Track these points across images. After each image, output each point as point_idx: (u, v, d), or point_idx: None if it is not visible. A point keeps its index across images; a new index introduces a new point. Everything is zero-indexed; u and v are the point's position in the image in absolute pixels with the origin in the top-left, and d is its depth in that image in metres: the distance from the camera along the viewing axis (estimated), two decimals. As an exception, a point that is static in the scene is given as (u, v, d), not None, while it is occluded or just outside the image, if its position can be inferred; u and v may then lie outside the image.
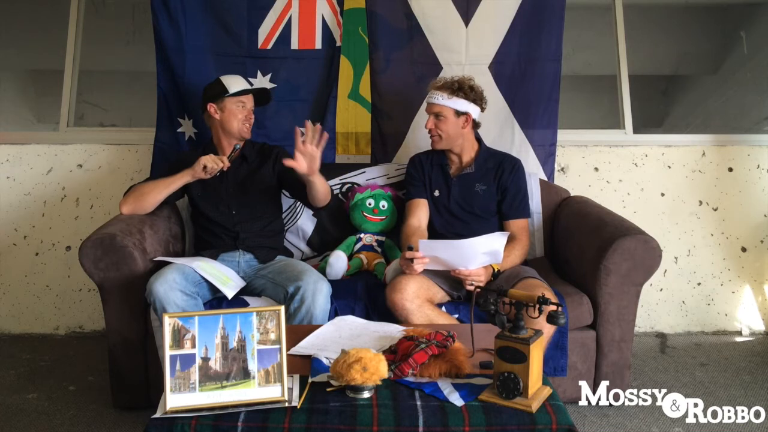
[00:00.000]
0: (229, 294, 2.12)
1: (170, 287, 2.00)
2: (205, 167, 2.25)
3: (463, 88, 2.34)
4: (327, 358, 1.56)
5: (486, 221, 2.39)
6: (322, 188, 2.27)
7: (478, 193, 2.39)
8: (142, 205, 2.30)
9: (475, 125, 2.43)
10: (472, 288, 2.10)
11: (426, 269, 2.19)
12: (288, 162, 2.11)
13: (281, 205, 2.57)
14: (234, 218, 2.38)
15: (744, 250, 3.08)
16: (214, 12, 2.78)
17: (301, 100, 2.86)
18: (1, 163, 2.99)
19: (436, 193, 2.44)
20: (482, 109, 2.43)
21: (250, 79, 2.78)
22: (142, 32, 3.11)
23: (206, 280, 2.14)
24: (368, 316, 2.10)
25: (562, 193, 2.77)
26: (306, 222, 2.69)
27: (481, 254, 2.08)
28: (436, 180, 2.45)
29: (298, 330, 1.83)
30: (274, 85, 2.82)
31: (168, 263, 2.15)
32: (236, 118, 2.39)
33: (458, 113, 2.35)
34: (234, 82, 2.42)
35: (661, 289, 3.08)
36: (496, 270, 2.21)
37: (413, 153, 2.65)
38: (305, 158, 2.12)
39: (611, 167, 3.05)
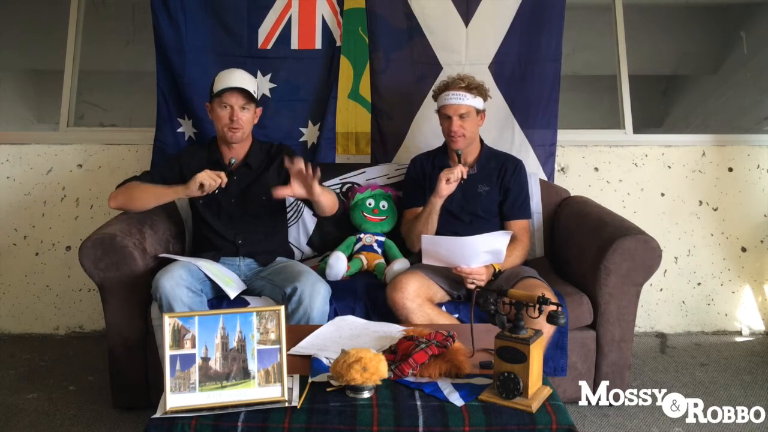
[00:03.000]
0: (232, 294, 2.11)
1: (177, 283, 2.00)
2: (201, 185, 2.10)
3: (478, 87, 2.36)
4: (327, 358, 1.56)
5: (487, 222, 2.39)
6: (327, 203, 2.21)
7: (481, 194, 2.39)
8: (131, 206, 2.23)
9: None
10: (472, 286, 2.11)
11: (426, 267, 2.20)
12: (278, 192, 2.07)
13: (284, 206, 2.53)
14: (236, 227, 2.33)
15: (744, 250, 3.08)
16: (214, 12, 2.78)
17: (301, 100, 2.86)
18: (1, 163, 2.99)
19: None
20: None
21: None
22: (142, 32, 3.11)
23: (209, 279, 2.14)
24: (368, 317, 2.10)
25: (562, 193, 2.77)
26: (307, 221, 2.69)
27: (483, 253, 2.09)
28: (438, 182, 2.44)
29: (298, 330, 1.83)
30: (273, 85, 2.83)
31: (172, 261, 2.14)
32: (220, 120, 2.26)
33: (478, 111, 2.37)
34: (220, 81, 2.26)
35: (661, 289, 3.08)
36: (496, 270, 2.21)
37: (413, 153, 2.65)
38: (298, 182, 2.08)
39: (611, 167, 3.05)
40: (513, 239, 2.25)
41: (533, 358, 1.37)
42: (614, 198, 3.03)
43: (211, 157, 2.35)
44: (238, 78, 2.28)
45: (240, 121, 2.26)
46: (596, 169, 3.05)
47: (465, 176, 2.25)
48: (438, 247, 2.11)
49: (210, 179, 2.11)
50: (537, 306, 1.42)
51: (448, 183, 2.24)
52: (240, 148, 2.36)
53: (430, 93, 2.55)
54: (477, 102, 2.35)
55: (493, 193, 2.40)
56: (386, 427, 1.33)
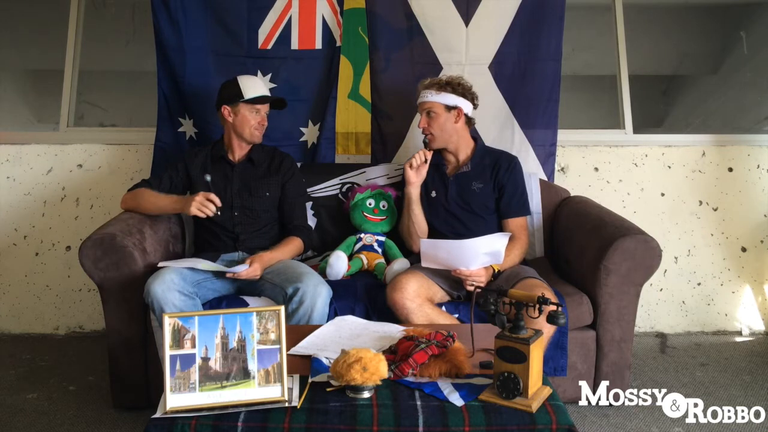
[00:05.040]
0: (239, 268, 2.14)
1: (168, 288, 2.00)
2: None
3: (451, 84, 2.37)
4: (327, 358, 1.56)
5: (484, 219, 2.39)
6: (291, 256, 2.36)
7: (475, 192, 2.39)
8: (137, 210, 2.35)
9: (469, 122, 2.43)
10: (472, 288, 2.11)
11: (426, 268, 2.20)
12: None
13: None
14: (235, 219, 2.38)
15: (744, 250, 3.08)
16: (214, 12, 2.78)
17: (301, 100, 2.86)
18: (1, 163, 2.99)
19: (433, 193, 2.44)
20: (474, 106, 2.43)
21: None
22: (142, 32, 3.11)
23: (208, 275, 2.16)
24: (368, 317, 2.10)
25: (562, 193, 2.77)
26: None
27: (482, 255, 2.09)
28: (432, 180, 2.45)
29: (298, 330, 1.83)
30: (274, 85, 2.82)
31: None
32: (249, 124, 2.37)
33: (448, 108, 2.36)
34: (251, 87, 2.38)
35: (661, 289, 3.08)
36: (496, 270, 2.21)
37: (413, 153, 2.63)
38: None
39: (611, 167, 3.05)
40: (511, 238, 2.25)
41: (533, 358, 1.37)
42: (614, 198, 3.02)
43: (216, 153, 2.43)
44: (265, 87, 2.46)
45: (265, 125, 2.43)
46: (596, 169, 3.05)
47: (428, 157, 2.36)
48: (437, 250, 2.11)
49: (199, 212, 2.17)
50: (537, 306, 1.42)
51: (412, 168, 2.34)
52: (247, 145, 2.45)
53: None
54: (443, 98, 2.34)
55: (487, 189, 2.39)
56: (386, 427, 1.33)
